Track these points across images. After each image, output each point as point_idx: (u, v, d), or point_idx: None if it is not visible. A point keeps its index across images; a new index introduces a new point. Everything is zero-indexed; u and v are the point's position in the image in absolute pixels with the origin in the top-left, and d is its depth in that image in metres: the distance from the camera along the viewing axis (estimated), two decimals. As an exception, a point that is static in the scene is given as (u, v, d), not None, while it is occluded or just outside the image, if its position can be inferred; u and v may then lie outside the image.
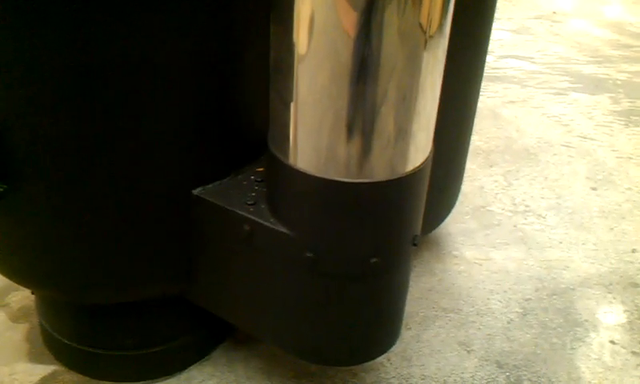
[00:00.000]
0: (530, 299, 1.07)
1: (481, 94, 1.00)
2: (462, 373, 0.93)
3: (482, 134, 1.57)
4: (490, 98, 1.78)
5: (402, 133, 0.58)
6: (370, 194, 0.60)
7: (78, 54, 0.58)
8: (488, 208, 1.31)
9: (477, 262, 1.16)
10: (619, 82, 1.98)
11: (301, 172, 0.61)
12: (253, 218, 0.66)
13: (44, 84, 0.59)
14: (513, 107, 1.76)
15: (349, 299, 0.68)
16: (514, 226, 1.26)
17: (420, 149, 0.62)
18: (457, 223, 1.24)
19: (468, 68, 0.86)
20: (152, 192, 0.68)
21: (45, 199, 0.67)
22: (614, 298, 1.08)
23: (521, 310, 1.05)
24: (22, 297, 1.02)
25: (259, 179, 0.73)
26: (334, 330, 0.71)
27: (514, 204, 1.33)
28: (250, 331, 0.81)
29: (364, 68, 0.53)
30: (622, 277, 1.13)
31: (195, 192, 0.69)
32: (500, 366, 0.94)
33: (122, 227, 0.69)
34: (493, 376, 0.93)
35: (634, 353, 0.97)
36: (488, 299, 1.07)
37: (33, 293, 0.94)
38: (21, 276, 0.78)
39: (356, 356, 0.74)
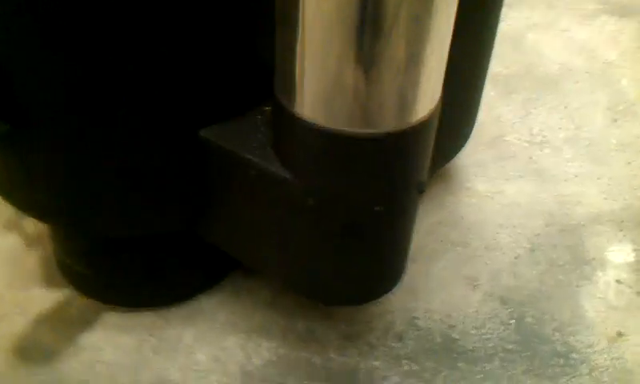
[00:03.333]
0: (539, 234, 1.07)
1: (505, 16, 0.96)
2: (467, 308, 0.94)
3: (503, 59, 1.53)
4: (513, 20, 1.72)
5: (414, 67, 0.56)
6: (376, 145, 0.59)
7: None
8: (504, 138, 1.29)
9: (489, 194, 1.15)
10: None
11: (305, 121, 0.60)
12: (258, 161, 0.66)
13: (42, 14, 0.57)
14: (537, 30, 1.70)
15: (352, 244, 0.68)
16: (530, 158, 1.24)
17: (430, 94, 0.60)
18: (471, 154, 1.22)
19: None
20: (157, 129, 0.68)
21: (49, 138, 0.67)
22: (625, 236, 1.07)
23: (529, 246, 1.05)
24: (36, 222, 1.04)
25: (265, 120, 0.72)
26: (338, 272, 0.71)
27: (532, 134, 1.31)
28: (257, 269, 0.83)
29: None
30: (634, 214, 1.12)
31: (202, 133, 0.68)
32: (504, 301, 0.95)
33: (129, 164, 0.70)
34: (496, 312, 0.94)
35: (638, 293, 0.98)
36: (497, 233, 1.07)
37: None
38: (29, 210, 0.80)
39: (360, 296, 0.75)
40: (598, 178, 1.20)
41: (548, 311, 0.94)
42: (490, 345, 0.90)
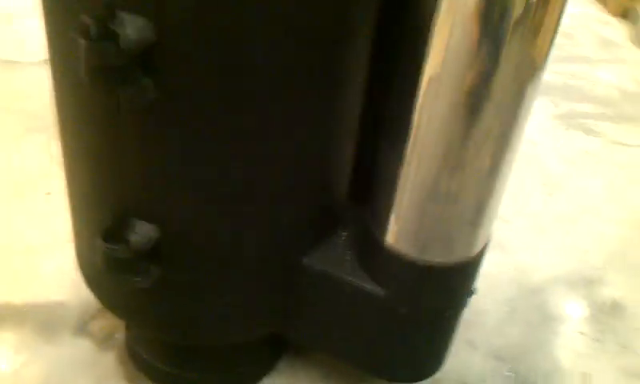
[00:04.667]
0: (512, 298, 1.35)
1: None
2: (473, 367, 1.20)
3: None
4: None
5: (485, 214, 0.81)
6: (456, 270, 0.83)
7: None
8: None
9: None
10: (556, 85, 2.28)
11: (399, 253, 0.83)
12: (354, 281, 0.88)
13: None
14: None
15: (422, 338, 0.91)
16: (490, 232, 1.53)
17: (487, 230, 0.85)
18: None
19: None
20: (271, 263, 0.88)
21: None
22: (577, 294, 1.37)
23: (508, 309, 1.32)
24: (103, 324, 1.19)
25: (349, 239, 0.93)
26: (408, 358, 0.94)
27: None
28: (336, 357, 1.03)
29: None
30: (580, 275, 1.43)
31: (304, 261, 0.89)
32: (500, 359, 1.22)
33: (244, 293, 0.89)
34: (496, 368, 1.20)
35: (596, 340, 1.27)
36: (483, 301, 1.34)
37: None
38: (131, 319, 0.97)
39: (418, 375, 0.99)
40: (546, 247, 1.50)
41: (534, 364, 1.21)
42: (498, 396, 1.16)
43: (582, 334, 1.28)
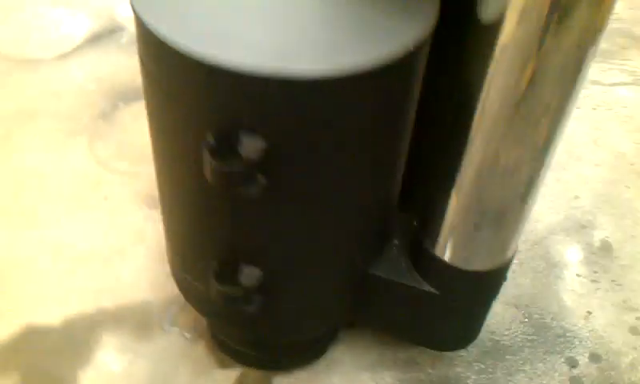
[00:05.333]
0: (520, 251, 1.60)
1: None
2: (495, 317, 1.46)
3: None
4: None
5: (517, 229, 1.04)
6: (494, 275, 1.06)
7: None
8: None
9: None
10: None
11: (448, 263, 1.06)
12: (413, 285, 1.11)
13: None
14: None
15: (468, 318, 1.16)
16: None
17: (518, 239, 1.08)
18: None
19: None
20: (344, 277, 1.10)
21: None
22: (572, 240, 1.63)
23: (517, 261, 1.58)
24: (187, 319, 1.42)
25: (399, 249, 1.16)
26: (453, 332, 1.20)
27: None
28: (392, 334, 1.28)
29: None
30: (573, 221, 1.68)
31: (371, 271, 1.12)
32: (517, 307, 1.48)
33: (319, 298, 1.12)
34: (514, 315, 1.46)
35: (593, 281, 1.54)
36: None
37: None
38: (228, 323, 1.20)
39: (461, 344, 1.25)
40: (542, 197, 1.75)
41: (544, 307, 1.48)
42: (518, 339, 1.43)
43: (579, 276, 1.54)
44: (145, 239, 1.55)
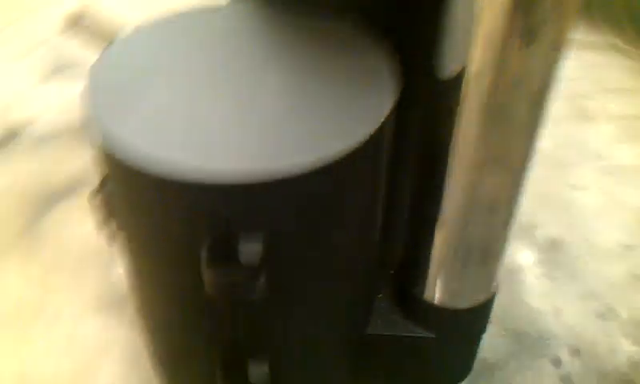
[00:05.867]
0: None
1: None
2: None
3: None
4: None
5: (496, 268, 1.08)
6: (479, 312, 1.10)
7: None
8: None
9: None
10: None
11: (437, 306, 1.09)
12: (408, 335, 1.13)
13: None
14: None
15: (462, 354, 1.20)
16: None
17: (497, 275, 1.12)
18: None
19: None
20: (344, 344, 1.11)
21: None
22: (524, 243, 1.71)
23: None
24: None
25: (383, 299, 1.18)
26: (450, 369, 1.23)
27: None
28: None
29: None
30: (519, 225, 1.76)
31: (369, 331, 1.13)
32: (492, 322, 1.53)
33: (323, 367, 1.12)
34: (493, 331, 1.51)
35: (552, 278, 1.62)
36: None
37: None
38: None
39: (459, 378, 1.28)
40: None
41: (516, 315, 1.54)
42: (502, 354, 1.47)
43: (538, 277, 1.62)
44: (110, 349, 1.49)
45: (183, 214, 0.80)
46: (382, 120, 0.82)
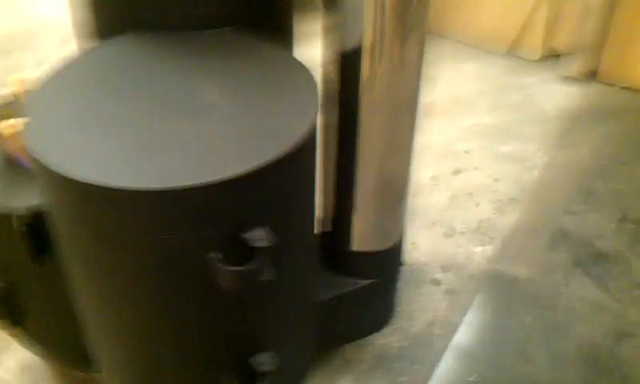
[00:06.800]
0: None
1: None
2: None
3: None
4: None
5: (402, 216, 1.32)
6: (386, 254, 1.34)
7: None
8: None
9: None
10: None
11: (367, 252, 1.30)
12: (355, 283, 1.31)
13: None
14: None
15: (388, 297, 1.42)
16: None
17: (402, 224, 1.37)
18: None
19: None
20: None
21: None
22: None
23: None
24: None
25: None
26: (376, 313, 1.44)
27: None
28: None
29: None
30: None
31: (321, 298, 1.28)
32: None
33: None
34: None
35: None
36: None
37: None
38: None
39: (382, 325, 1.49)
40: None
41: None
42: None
43: (447, 293, 1.73)
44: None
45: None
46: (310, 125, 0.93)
